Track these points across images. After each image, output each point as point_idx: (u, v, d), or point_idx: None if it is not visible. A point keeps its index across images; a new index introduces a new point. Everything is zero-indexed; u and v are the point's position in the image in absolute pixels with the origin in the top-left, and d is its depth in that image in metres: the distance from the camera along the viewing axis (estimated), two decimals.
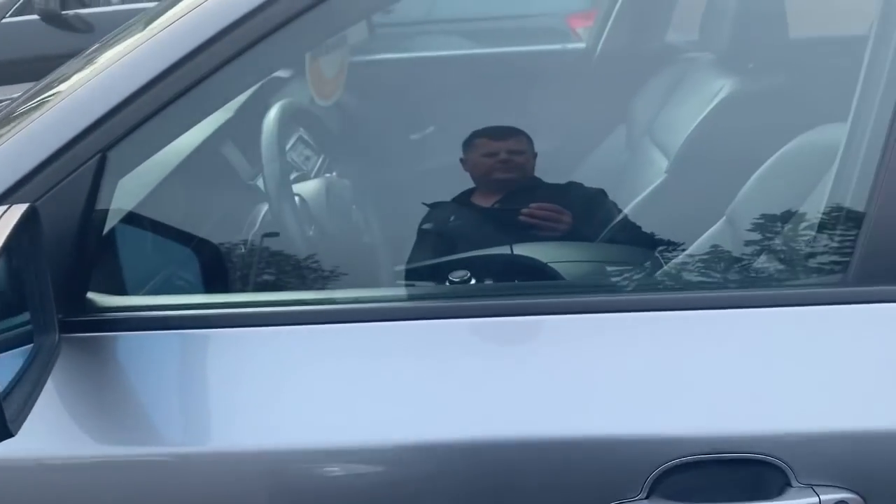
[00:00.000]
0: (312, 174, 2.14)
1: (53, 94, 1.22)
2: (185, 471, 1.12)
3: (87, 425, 1.12)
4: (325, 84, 1.81)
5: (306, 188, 1.93)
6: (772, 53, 2.06)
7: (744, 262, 1.41)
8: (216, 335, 1.16)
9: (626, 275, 1.63)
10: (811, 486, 1.09)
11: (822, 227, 1.25)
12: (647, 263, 1.55)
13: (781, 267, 1.33)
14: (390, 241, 1.92)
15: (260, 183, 1.83)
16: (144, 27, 1.27)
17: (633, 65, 2.52)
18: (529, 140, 1.92)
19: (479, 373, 1.13)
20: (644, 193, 1.99)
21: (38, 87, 1.43)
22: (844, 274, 1.17)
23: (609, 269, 1.68)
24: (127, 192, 1.29)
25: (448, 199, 1.89)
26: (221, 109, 1.60)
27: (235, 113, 2.03)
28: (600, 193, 1.90)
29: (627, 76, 2.43)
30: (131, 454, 1.12)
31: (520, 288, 1.51)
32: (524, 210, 1.76)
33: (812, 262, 1.27)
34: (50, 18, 5.08)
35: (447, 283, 1.45)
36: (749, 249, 1.41)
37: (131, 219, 1.43)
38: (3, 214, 0.98)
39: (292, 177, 1.96)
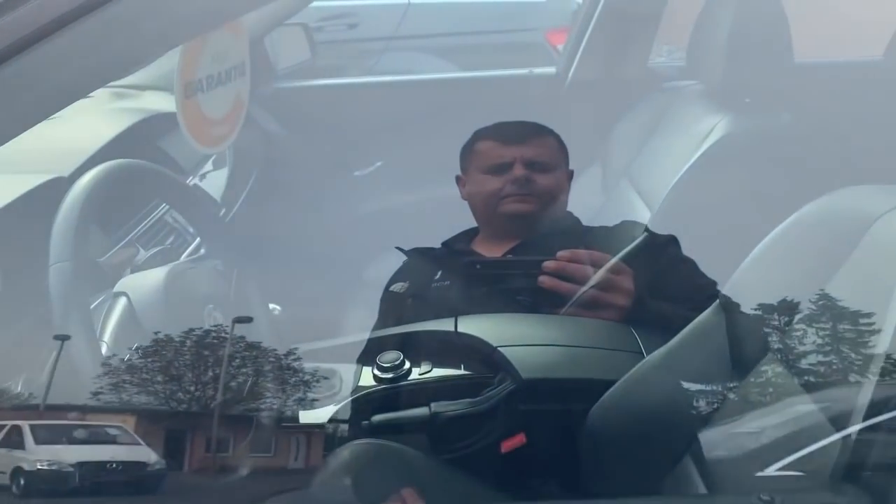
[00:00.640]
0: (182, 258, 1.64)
1: None
2: None
3: None
4: (209, 126, 1.41)
5: (141, 282, 1.41)
6: (774, 83, 1.80)
7: None
8: None
9: None
10: None
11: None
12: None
13: None
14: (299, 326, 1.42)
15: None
16: None
17: (609, 93, 2.32)
18: (561, 146, 1.34)
19: None
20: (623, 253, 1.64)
21: None
22: None
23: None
24: None
25: (431, 243, 1.32)
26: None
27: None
28: None
29: (603, 107, 2.21)
30: None
31: None
32: (548, 263, 1.12)
33: None
34: None
35: (372, 371, 1.04)
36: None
37: None
38: None
39: (126, 272, 1.47)
